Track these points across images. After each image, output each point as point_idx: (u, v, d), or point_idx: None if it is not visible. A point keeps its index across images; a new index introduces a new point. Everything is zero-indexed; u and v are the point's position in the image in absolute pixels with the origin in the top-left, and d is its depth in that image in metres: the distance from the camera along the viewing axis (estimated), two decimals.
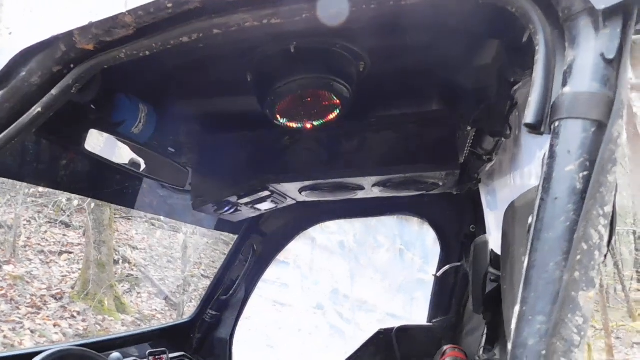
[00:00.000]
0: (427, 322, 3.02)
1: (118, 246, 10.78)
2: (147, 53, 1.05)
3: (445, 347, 2.62)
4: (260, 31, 1.03)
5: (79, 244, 10.15)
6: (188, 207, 2.27)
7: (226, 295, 3.06)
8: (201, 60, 1.51)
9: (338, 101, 1.52)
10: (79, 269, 9.09)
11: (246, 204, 2.06)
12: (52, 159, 1.64)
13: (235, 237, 3.16)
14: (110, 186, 1.96)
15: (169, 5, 0.95)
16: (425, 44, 1.52)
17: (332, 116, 1.60)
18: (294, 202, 2.28)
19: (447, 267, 2.96)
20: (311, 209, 2.89)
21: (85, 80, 1.13)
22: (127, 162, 1.71)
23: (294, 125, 1.61)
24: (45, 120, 1.17)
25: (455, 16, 1.33)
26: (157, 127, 1.69)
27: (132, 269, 10.85)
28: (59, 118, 1.22)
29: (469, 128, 1.78)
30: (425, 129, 1.82)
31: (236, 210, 2.11)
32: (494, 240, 2.34)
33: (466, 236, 2.96)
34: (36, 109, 1.13)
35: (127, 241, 11.60)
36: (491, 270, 2.27)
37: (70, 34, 1.06)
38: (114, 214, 10.29)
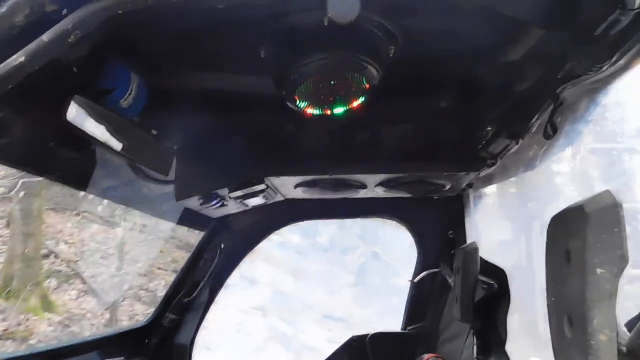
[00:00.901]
0: (402, 329, 2.92)
1: (46, 240, 9.95)
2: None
3: (425, 356, 2.52)
4: None
5: (1, 236, 9.27)
6: (150, 195, 2.01)
7: (188, 298, 2.78)
8: (207, 26, 1.30)
9: (367, 86, 1.35)
10: (1, 263, 8.27)
11: (236, 198, 1.82)
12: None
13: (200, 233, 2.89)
14: (62, 163, 1.65)
15: None
16: (461, 29, 1.39)
17: (356, 103, 1.42)
18: (282, 198, 2.08)
19: (424, 273, 2.87)
20: (287, 207, 2.68)
21: (89, 28, 0.89)
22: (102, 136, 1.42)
23: (313, 111, 1.41)
24: (26, 75, 0.91)
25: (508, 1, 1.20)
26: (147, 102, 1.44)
27: (62, 265, 10.07)
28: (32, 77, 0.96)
29: (489, 128, 1.67)
30: (445, 124, 1.68)
31: (222, 205, 1.86)
32: (482, 248, 2.27)
33: (445, 242, 2.88)
34: (18, 58, 0.87)
35: (57, 234, 10.75)
36: (482, 278, 2.19)
37: None
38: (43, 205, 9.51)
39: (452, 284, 2.64)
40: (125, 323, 9.77)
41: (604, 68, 1.13)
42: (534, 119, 1.51)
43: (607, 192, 1.01)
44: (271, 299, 11.81)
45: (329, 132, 1.72)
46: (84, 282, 9.97)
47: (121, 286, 10.16)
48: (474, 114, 1.69)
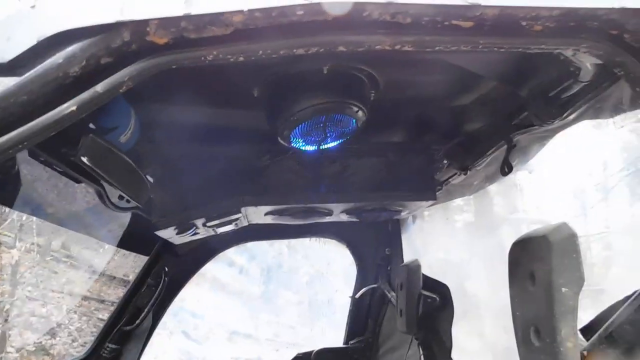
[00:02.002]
0: (344, 343, 3.07)
1: None
2: (242, 58, 0.91)
3: None
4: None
5: None
6: (95, 218, 1.96)
7: (130, 326, 2.68)
8: (213, 70, 1.36)
9: (356, 127, 1.50)
10: None
11: (210, 227, 1.86)
12: None
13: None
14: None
15: (300, 12, 0.84)
16: (425, 78, 1.60)
17: (342, 140, 1.56)
18: (247, 224, 2.14)
19: (364, 289, 3.06)
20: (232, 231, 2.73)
21: (141, 78, 0.92)
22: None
23: (304, 147, 1.52)
24: (74, 122, 0.92)
25: (477, 62, 1.43)
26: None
27: None
28: None
29: (444, 161, 1.90)
30: (405, 158, 1.88)
31: (195, 233, 1.89)
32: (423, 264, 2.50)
33: (382, 259, 3.10)
34: (70, 107, 0.89)
35: None
36: (425, 293, 2.42)
37: (144, 22, 0.87)
38: None
39: (391, 298, 2.86)
40: (13, 356, 8.80)
41: (555, 122, 1.39)
42: (485, 156, 1.77)
43: (565, 224, 1.25)
44: None
45: (303, 164, 1.83)
46: None
47: (8, 314, 9.15)
48: (432, 148, 1.91)
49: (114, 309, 2.73)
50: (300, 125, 1.43)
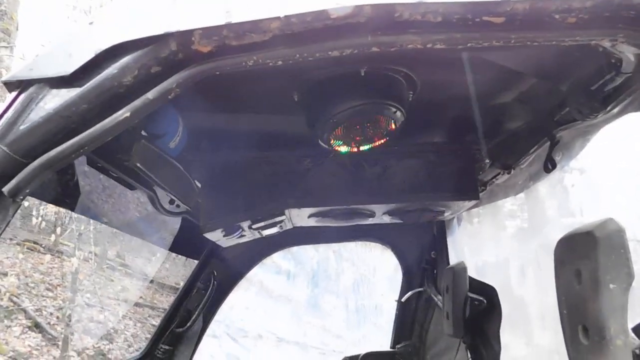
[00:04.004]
0: (391, 347, 3.06)
1: None
2: (280, 62, 0.96)
3: None
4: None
5: None
6: (149, 223, 2.06)
7: (182, 328, 2.79)
8: (243, 73, 1.42)
9: (393, 127, 1.52)
10: None
11: (255, 229, 1.93)
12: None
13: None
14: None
15: (333, 16, 0.88)
16: (465, 78, 1.59)
17: (381, 141, 1.59)
18: (291, 227, 2.19)
19: (410, 292, 3.04)
20: (278, 235, 2.80)
21: (188, 85, 0.99)
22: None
23: (344, 148, 1.56)
24: (127, 128, 1.00)
25: (515, 58, 1.42)
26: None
27: (2, 299, 9.43)
28: None
29: (486, 160, 1.88)
30: (446, 158, 1.88)
31: (241, 236, 1.96)
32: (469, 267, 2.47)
33: (427, 262, 3.07)
34: (124, 113, 0.96)
35: None
36: (471, 295, 2.38)
37: (189, 33, 0.93)
38: None
39: (437, 302, 2.83)
40: (75, 359, 9.26)
41: (598, 116, 1.36)
42: (528, 154, 1.74)
43: (611, 219, 1.22)
44: None
45: (343, 167, 1.87)
46: (28, 317, 9.39)
47: (70, 319, 9.65)
48: (473, 148, 1.90)
49: (166, 311, 2.84)
50: (339, 127, 1.47)
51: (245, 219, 1.83)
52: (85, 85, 0.96)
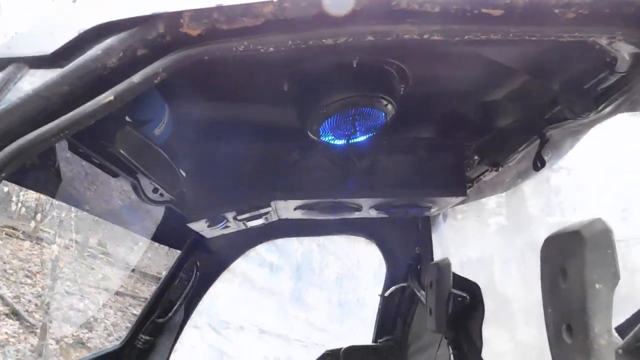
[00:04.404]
0: (373, 341, 3.06)
1: None
2: (272, 49, 0.93)
3: None
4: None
5: None
6: (132, 211, 2.02)
7: (163, 319, 2.75)
8: (231, 61, 1.39)
9: (385, 120, 1.50)
10: None
11: (240, 220, 1.90)
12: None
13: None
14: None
15: (327, 2, 0.85)
16: (455, 72, 1.58)
17: (370, 135, 1.56)
18: (276, 219, 2.17)
19: (394, 287, 3.04)
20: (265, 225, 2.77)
21: (175, 69, 0.95)
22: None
23: (333, 141, 1.54)
24: (111, 111, 0.96)
25: (508, 54, 1.40)
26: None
27: None
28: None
29: (475, 157, 1.88)
30: (435, 154, 1.87)
31: (225, 227, 1.93)
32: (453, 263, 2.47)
33: (412, 257, 3.07)
34: (107, 97, 0.92)
35: None
36: (455, 291, 2.39)
37: (178, 14, 0.90)
38: None
39: (421, 297, 2.84)
40: (53, 347, 9.14)
41: (590, 115, 1.35)
42: (517, 152, 1.74)
43: (599, 219, 1.22)
44: None
45: (331, 160, 1.85)
46: (5, 304, 9.24)
47: (49, 307, 9.51)
48: (463, 144, 1.89)
49: (147, 301, 2.80)
50: (329, 119, 1.45)
51: (230, 210, 1.80)
52: (67, 66, 0.92)
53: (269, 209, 1.87)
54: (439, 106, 1.77)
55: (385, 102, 1.44)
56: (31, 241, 10.47)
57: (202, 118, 1.70)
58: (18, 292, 9.58)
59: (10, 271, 9.90)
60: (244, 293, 11.25)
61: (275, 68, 1.42)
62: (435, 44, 1.28)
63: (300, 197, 1.84)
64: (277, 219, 2.18)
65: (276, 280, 12.00)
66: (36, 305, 9.55)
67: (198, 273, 2.80)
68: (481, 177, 2.04)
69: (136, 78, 0.93)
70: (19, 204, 10.36)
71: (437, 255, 2.88)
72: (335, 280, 12.42)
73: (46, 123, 0.92)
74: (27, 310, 9.38)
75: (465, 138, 1.90)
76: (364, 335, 3.36)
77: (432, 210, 2.12)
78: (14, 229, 10.50)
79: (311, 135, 1.55)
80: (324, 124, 1.46)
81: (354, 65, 1.35)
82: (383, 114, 1.47)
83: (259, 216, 1.90)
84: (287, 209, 1.97)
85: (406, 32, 0.89)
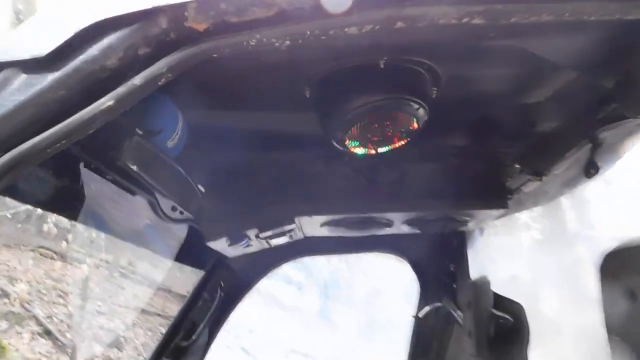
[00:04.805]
0: None
1: None
2: (288, 42, 0.82)
3: None
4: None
5: None
6: (153, 231, 1.93)
7: (187, 341, 2.64)
8: (249, 66, 1.29)
9: (416, 126, 1.37)
10: None
11: (263, 238, 1.78)
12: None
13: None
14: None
15: None
16: (495, 72, 1.44)
17: (401, 142, 1.43)
18: (302, 237, 2.05)
19: (428, 307, 2.87)
20: (287, 243, 2.65)
21: (181, 69, 0.85)
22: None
23: (360, 150, 1.41)
24: (113, 118, 0.86)
25: (555, 48, 1.26)
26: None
27: (13, 305, 9.40)
28: None
29: (516, 165, 1.72)
30: (471, 162, 1.72)
31: (248, 245, 1.81)
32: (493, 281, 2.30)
33: (446, 275, 2.90)
34: (107, 101, 0.83)
35: (8, 272, 10.07)
36: (496, 312, 2.21)
37: (182, 7, 0.80)
38: None
39: (458, 318, 2.66)
40: None
41: None
42: (564, 159, 1.57)
43: None
44: None
45: (357, 171, 1.72)
46: (39, 323, 9.35)
47: (80, 327, 9.59)
48: (501, 151, 1.74)
49: (170, 323, 2.70)
50: (355, 126, 1.32)
51: (252, 227, 1.69)
52: (63, 69, 0.83)
53: (293, 225, 1.74)
54: (475, 109, 1.63)
55: (416, 106, 1.31)
56: (64, 261, 10.63)
57: (218, 127, 1.61)
58: (51, 312, 9.71)
59: (44, 291, 10.05)
60: (271, 312, 11.11)
61: (295, 70, 1.32)
62: (471, 40, 1.15)
63: (325, 212, 1.70)
64: (302, 236, 2.05)
65: (304, 299, 11.82)
66: (68, 325, 9.64)
67: (222, 293, 2.70)
68: (522, 187, 1.86)
69: (138, 80, 0.83)
70: (52, 224, 10.54)
71: (474, 273, 2.71)
72: (364, 298, 12.14)
73: (42, 132, 0.83)
74: (59, 330, 9.47)
75: (504, 144, 1.75)
76: (393, 355, 3.18)
77: (469, 224, 1.95)
78: (47, 249, 10.70)
79: (336, 145, 1.43)
80: (349, 131, 1.34)
81: (382, 66, 1.23)
82: (414, 118, 1.34)
83: (283, 234, 1.78)
84: (312, 225, 1.85)
85: (442, 16, 0.76)
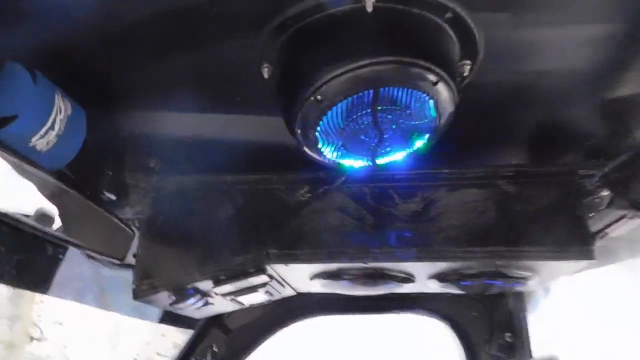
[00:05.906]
0: None
1: (39, 320, 9.20)
2: None
3: None
4: None
5: None
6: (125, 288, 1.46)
7: None
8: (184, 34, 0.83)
9: (437, 116, 0.82)
10: None
11: (224, 295, 1.25)
12: None
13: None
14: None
15: None
16: (562, 47, 0.92)
17: (413, 148, 0.89)
18: (293, 293, 1.50)
19: None
20: (299, 299, 2.11)
21: None
22: (31, 211, 0.87)
23: (351, 161, 0.88)
24: None
25: None
26: (88, 148, 0.93)
27: (52, 349, 9.23)
28: None
29: (605, 193, 1.13)
30: (532, 190, 1.14)
31: (206, 304, 1.28)
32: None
33: (499, 348, 2.26)
34: None
35: (53, 314, 9.99)
36: None
37: None
38: None
39: None
40: None
41: None
42: None
43: None
44: None
45: (360, 200, 1.18)
46: None
47: None
48: (578, 174, 1.15)
49: None
50: (333, 113, 0.79)
51: (203, 279, 1.15)
52: None
53: (264, 278, 1.19)
54: (535, 111, 1.09)
55: (433, 77, 0.76)
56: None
57: (161, 138, 1.13)
58: (86, 358, 9.45)
59: (84, 335, 9.86)
60: None
61: (244, 35, 0.83)
62: None
63: (309, 260, 1.14)
64: (293, 293, 1.50)
65: None
66: None
67: None
68: (611, 226, 1.23)
69: None
70: None
71: (537, 346, 2.12)
72: None
73: None
74: None
75: (583, 163, 1.16)
76: None
77: (530, 283, 1.32)
78: None
79: (308, 152, 0.91)
80: (323, 123, 0.80)
81: (369, 10, 0.72)
82: (431, 101, 0.80)
83: (253, 289, 1.23)
84: (298, 278, 1.30)
85: None
